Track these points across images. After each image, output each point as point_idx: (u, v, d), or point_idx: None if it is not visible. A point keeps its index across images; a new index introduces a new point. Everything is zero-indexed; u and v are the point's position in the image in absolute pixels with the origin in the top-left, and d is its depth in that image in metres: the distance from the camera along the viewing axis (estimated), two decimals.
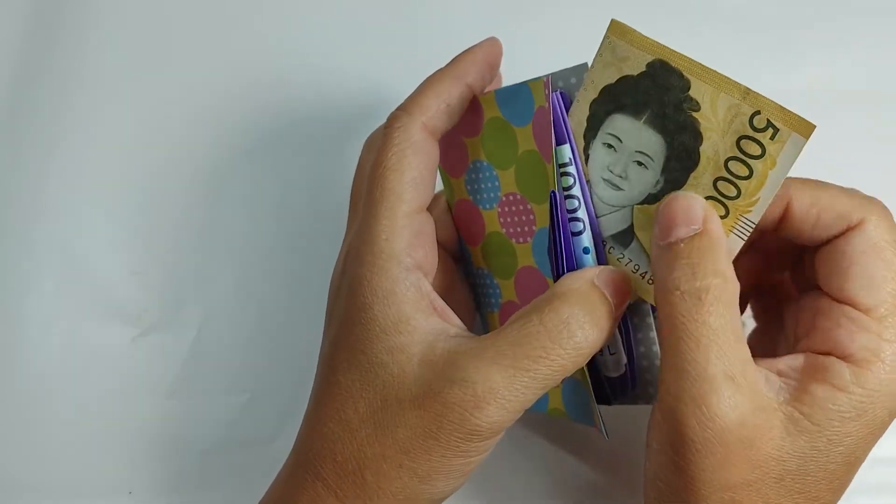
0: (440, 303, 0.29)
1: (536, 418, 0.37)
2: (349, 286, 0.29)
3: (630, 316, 0.31)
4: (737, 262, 0.27)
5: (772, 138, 0.26)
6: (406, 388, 0.27)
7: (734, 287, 0.27)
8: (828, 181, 0.29)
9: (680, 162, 0.27)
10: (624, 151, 0.28)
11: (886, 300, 0.27)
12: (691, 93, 0.26)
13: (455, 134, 0.33)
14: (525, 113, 0.29)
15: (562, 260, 0.29)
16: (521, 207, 0.30)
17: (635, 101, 0.28)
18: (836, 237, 0.28)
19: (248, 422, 0.39)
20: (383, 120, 0.31)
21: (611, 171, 0.29)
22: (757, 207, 0.27)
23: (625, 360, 0.31)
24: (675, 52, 0.27)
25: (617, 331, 0.30)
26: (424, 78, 0.31)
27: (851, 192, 0.29)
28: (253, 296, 0.41)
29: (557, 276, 0.29)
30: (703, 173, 0.27)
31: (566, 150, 0.29)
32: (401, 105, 0.31)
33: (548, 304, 0.27)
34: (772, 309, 0.35)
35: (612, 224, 0.29)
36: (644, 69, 0.27)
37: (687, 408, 0.26)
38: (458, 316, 0.32)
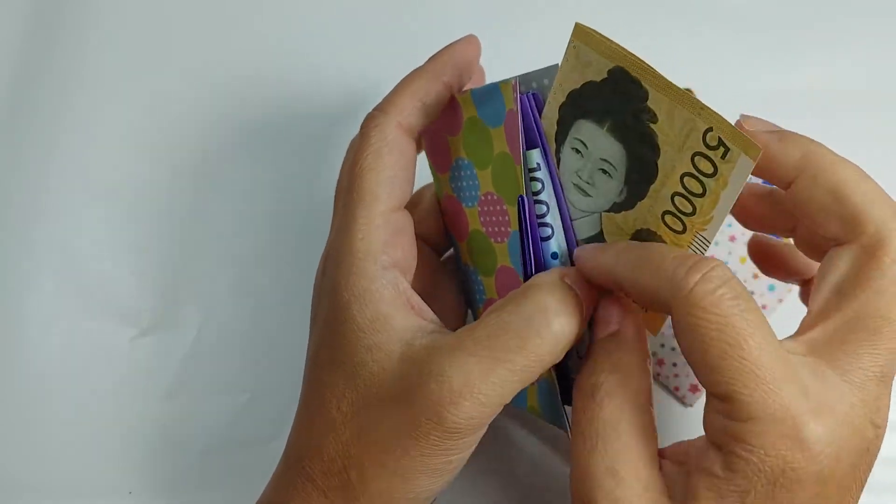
0: (417, 300, 0.30)
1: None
2: (329, 287, 0.29)
3: None
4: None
5: (723, 157, 0.24)
6: (386, 386, 0.27)
7: (639, 382, 0.27)
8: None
9: (639, 174, 0.27)
10: (590, 158, 0.28)
11: (721, 382, 0.24)
12: (649, 103, 0.25)
13: (438, 131, 0.33)
14: (498, 114, 0.29)
15: (530, 267, 0.29)
16: (498, 208, 0.30)
17: (598, 108, 0.27)
18: None
19: (248, 422, 0.39)
20: None
21: (579, 177, 0.28)
22: (710, 227, 0.26)
23: None
24: (635, 59, 0.25)
25: (589, 337, 0.29)
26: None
27: None
28: (252, 296, 0.41)
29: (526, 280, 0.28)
30: (662, 187, 0.26)
31: (535, 154, 0.28)
32: (377, 105, 0.31)
33: (522, 294, 0.27)
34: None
35: (584, 228, 0.29)
36: (605, 76, 0.26)
37: (574, 492, 0.27)
38: (444, 312, 0.32)
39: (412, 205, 0.36)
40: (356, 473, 0.27)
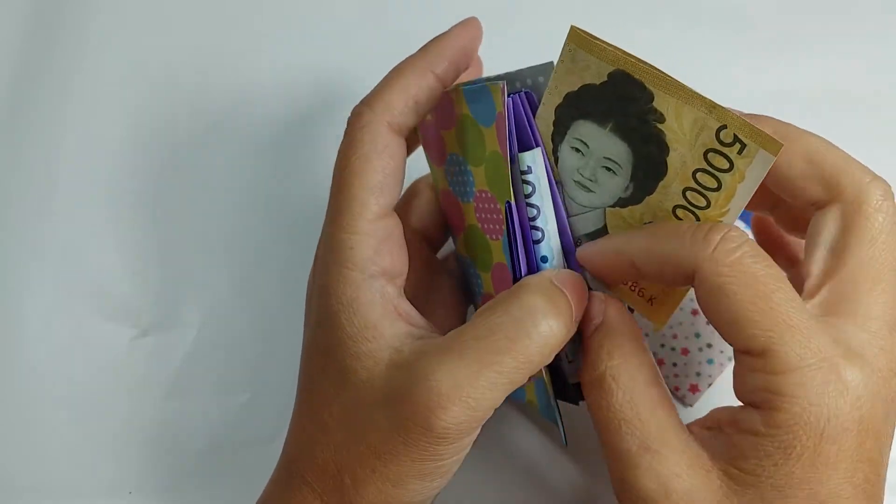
0: (406, 307, 0.29)
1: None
2: (318, 293, 0.29)
3: None
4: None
5: (739, 153, 0.25)
6: (375, 392, 0.27)
7: (638, 360, 0.27)
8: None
9: (647, 171, 0.27)
10: (591, 156, 0.28)
11: (757, 335, 0.25)
12: (655, 104, 0.25)
13: (432, 125, 0.32)
14: (489, 114, 0.29)
15: (519, 272, 0.29)
16: (492, 206, 0.30)
17: (599, 110, 0.27)
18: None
19: (248, 422, 0.39)
20: None
21: (581, 174, 0.28)
22: (726, 219, 0.26)
23: None
24: (636, 62, 0.25)
25: (577, 340, 0.29)
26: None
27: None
28: (252, 296, 0.41)
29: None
30: (672, 182, 0.26)
31: (527, 156, 0.28)
32: (365, 99, 0.30)
33: (510, 296, 0.27)
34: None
35: (586, 224, 0.29)
36: (605, 79, 0.26)
37: (617, 488, 0.27)
38: (443, 311, 0.32)
39: (408, 197, 0.35)
40: (349, 478, 0.27)
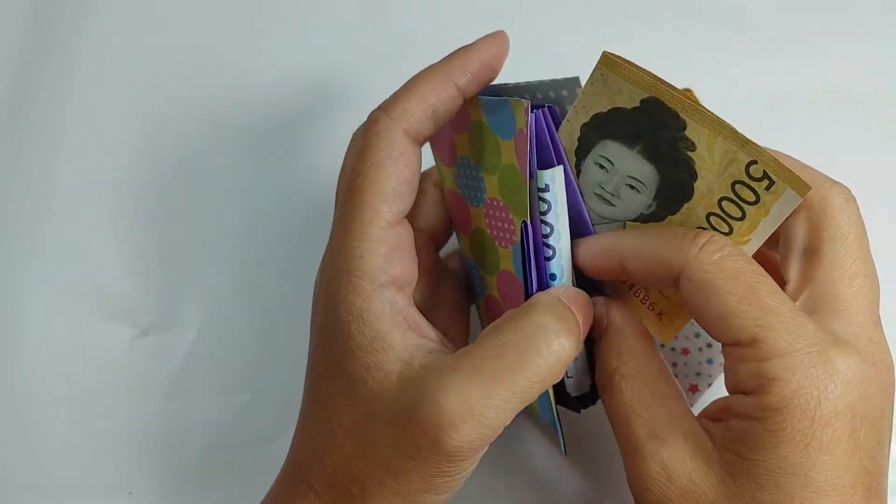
0: (416, 317, 0.29)
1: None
2: (325, 300, 0.29)
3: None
4: None
5: (767, 189, 0.25)
6: (385, 406, 0.27)
7: (644, 355, 0.28)
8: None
9: (673, 193, 0.27)
10: (616, 174, 0.28)
11: (745, 326, 0.25)
12: (687, 133, 0.26)
13: (445, 126, 0.32)
14: (508, 128, 0.28)
15: (531, 290, 0.29)
16: (504, 215, 0.30)
17: (629, 133, 0.27)
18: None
19: (248, 422, 0.39)
20: None
21: (603, 188, 0.28)
22: (747, 248, 0.27)
23: (588, 380, 0.31)
24: (670, 91, 0.26)
25: (577, 357, 0.30)
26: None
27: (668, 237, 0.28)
28: (252, 296, 0.41)
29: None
30: (697, 206, 0.27)
31: (546, 175, 0.28)
32: (383, 104, 0.29)
33: (521, 314, 0.27)
34: None
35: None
36: (638, 104, 0.26)
37: (628, 476, 0.28)
38: (445, 311, 0.32)
39: (418, 193, 0.35)
40: (357, 490, 0.27)
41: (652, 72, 0.26)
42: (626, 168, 0.28)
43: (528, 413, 0.33)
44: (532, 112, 0.27)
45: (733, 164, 0.25)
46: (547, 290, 0.28)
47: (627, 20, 0.45)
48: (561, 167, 0.28)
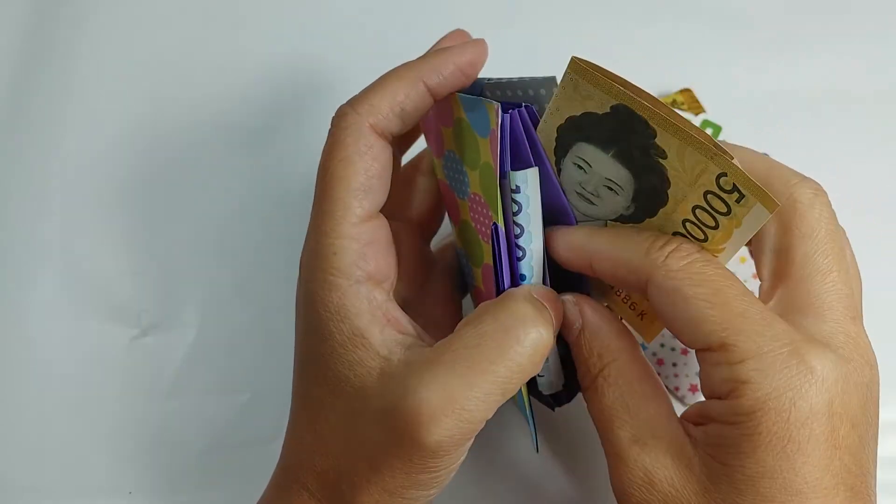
0: (395, 313, 0.29)
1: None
2: (305, 300, 0.29)
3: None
4: None
5: (738, 202, 0.25)
6: (368, 403, 0.27)
7: (626, 356, 0.28)
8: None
9: (648, 198, 0.27)
10: (594, 175, 0.28)
11: (714, 331, 0.25)
12: (657, 141, 0.25)
13: (434, 118, 0.32)
14: (484, 127, 0.28)
15: (501, 286, 0.28)
16: (484, 211, 0.30)
17: (602, 137, 0.27)
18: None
19: (248, 422, 0.39)
20: None
21: (583, 188, 0.28)
22: (723, 256, 0.27)
23: (561, 379, 0.31)
24: (639, 99, 0.25)
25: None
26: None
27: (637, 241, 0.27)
28: (252, 296, 0.41)
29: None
30: (672, 212, 0.27)
31: (518, 176, 0.27)
32: (351, 99, 0.29)
33: (497, 305, 0.27)
34: None
35: None
36: (608, 110, 0.26)
37: (611, 480, 0.27)
38: (434, 304, 0.32)
39: (400, 186, 0.34)
40: (347, 487, 0.27)
41: (623, 77, 0.25)
42: (603, 170, 0.27)
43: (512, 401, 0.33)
44: (506, 113, 0.27)
45: (704, 174, 0.25)
46: (520, 286, 0.28)
47: (627, 20, 0.45)
48: (535, 169, 0.28)
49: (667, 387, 0.39)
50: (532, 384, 0.31)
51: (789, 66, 0.45)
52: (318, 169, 0.29)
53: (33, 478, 0.38)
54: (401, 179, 0.35)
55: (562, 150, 0.28)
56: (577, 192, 0.29)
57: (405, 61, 0.31)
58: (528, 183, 0.28)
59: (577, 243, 0.28)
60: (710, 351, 0.25)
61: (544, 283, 0.29)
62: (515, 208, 0.28)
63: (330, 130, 0.29)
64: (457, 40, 0.32)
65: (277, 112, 0.44)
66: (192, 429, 0.39)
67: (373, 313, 0.28)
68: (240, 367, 0.40)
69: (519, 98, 0.29)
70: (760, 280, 0.28)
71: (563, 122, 0.27)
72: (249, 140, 0.43)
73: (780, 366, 0.24)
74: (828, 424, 0.24)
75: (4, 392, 0.40)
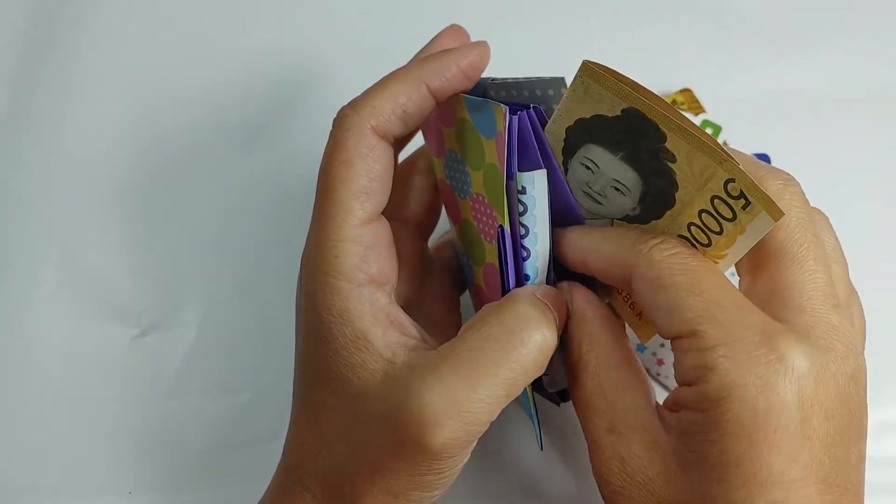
0: (398, 315, 0.29)
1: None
2: (306, 302, 0.29)
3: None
4: None
5: (744, 208, 0.25)
6: (371, 405, 0.27)
7: (607, 342, 0.28)
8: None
9: (656, 200, 0.27)
10: (601, 176, 0.28)
11: (688, 318, 0.25)
12: (667, 145, 0.25)
13: (434, 117, 0.32)
14: (490, 128, 0.28)
15: (507, 286, 0.28)
16: (487, 211, 0.30)
17: (611, 139, 0.27)
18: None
19: (248, 422, 0.39)
20: None
21: (590, 187, 0.28)
22: (723, 263, 0.27)
23: (565, 377, 0.31)
24: (650, 103, 0.25)
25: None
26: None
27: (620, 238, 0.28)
28: (252, 295, 0.41)
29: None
30: (679, 215, 0.27)
31: (525, 177, 0.27)
32: (352, 102, 0.29)
33: (501, 307, 0.27)
34: None
35: None
36: (619, 113, 0.26)
37: (593, 470, 0.27)
38: (432, 303, 0.32)
39: (398, 185, 0.34)
40: (349, 489, 0.27)
41: (634, 80, 0.25)
42: (611, 172, 0.27)
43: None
44: (515, 115, 0.27)
45: (712, 179, 0.25)
46: (523, 287, 0.28)
47: (627, 20, 0.45)
48: (543, 171, 0.28)
49: (667, 387, 0.39)
50: (537, 381, 0.31)
51: (789, 66, 0.45)
52: (320, 171, 0.29)
53: (33, 478, 0.38)
54: (397, 178, 0.35)
55: (570, 150, 0.28)
56: (584, 192, 0.29)
57: (405, 61, 0.31)
58: (534, 185, 0.28)
59: (572, 241, 0.28)
60: (682, 338, 0.25)
61: (548, 283, 0.29)
62: (521, 209, 0.28)
63: (331, 132, 0.29)
64: (453, 36, 0.32)
65: (277, 112, 0.44)
66: (192, 429, 0.39)
67: (375, 316, 0.28)
68: (240, 367, 0.40)
69: (525, 98, 0.29)
70: (739, 276, 0.28)
71: (573, 123, 0.27)
72: (249, 140, 0.43)
73: (748, 354, 0.24)
74: (797, 415, 0.24)
75: (4, 392, 0.40)
